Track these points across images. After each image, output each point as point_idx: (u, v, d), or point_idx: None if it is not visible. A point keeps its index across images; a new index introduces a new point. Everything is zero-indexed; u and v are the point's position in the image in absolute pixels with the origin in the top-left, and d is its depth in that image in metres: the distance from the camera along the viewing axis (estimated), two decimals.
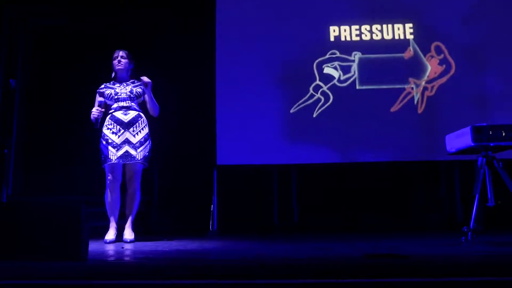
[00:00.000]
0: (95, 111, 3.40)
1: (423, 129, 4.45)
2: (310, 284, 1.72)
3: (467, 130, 2.82)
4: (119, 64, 3.55)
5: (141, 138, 3.44)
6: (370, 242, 3.19)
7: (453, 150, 3.02)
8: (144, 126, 3.50)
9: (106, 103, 3.52)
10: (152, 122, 3.61)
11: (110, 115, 3.49)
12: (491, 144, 2.79)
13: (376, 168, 4.54)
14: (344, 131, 4.48)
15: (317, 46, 4.61)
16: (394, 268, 1.93)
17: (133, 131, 3.44)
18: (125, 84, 3.56)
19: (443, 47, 4.58)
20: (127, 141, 3.41)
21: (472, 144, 2.79)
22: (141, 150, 3.42)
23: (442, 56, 4.57)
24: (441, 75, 4.55)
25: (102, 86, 3.57)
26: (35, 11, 4.90)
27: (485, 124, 2.81)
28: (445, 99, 4.49)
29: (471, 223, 2.82)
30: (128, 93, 3.50)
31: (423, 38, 4.59)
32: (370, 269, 1.93)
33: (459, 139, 2.92)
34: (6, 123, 4.67)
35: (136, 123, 3.46)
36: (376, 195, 4.57)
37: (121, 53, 3.58)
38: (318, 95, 4.55)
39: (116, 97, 3.49)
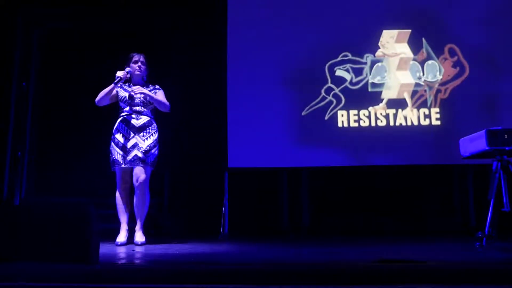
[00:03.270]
0: (121, 72, 3.46)
1: (436, 132, 4.39)
2: None
3: (481, 133, 2.77)
4: (139, 70, 3.56)
5: (150, 143, 3.45)
6: (382, 247, 3.15)
7: (467, 154, 2.97)
8: (154, 132, 3.51)
9: (119, 104, 3.54)
10: (163, 124, 3.61)
11: (121, 118, 3.51)
12: (507, 148, 2.74)
13: (388, 171, 4.49)
14: (356, 134, 4.44)
15: (329, 48, 4.58)
16: (408, 274, 1.90)
17: (143, 136, 3.45)
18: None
19: (456, 49, 4.51)
20: (136, 146, 3.42)
21: (487, 148, 2.73)
22: (149, 155, 3.43)
23: (455, 58, 4.51)
24: (455, 77, 4.49)
25: (119, 85, 3.56)
26: (47, 15, 4.93)
27: (500, 128, 2.76)
28: (458, 102, 4.43)
29: (486, 229, 2.77)
30: (142, 98, 3.51)
31: (436, 40, 4.53)
32: (383, 274, 1.89)
33: (473, 143, 2.87)
34: (19, 126, 4.71)
35: (147, 128, 3.47)
36: (389, 199, 4.52)
37: (142, 58, 3.58)
38: (330, 97, 4.52)
39: (130, 101, 3.50)
